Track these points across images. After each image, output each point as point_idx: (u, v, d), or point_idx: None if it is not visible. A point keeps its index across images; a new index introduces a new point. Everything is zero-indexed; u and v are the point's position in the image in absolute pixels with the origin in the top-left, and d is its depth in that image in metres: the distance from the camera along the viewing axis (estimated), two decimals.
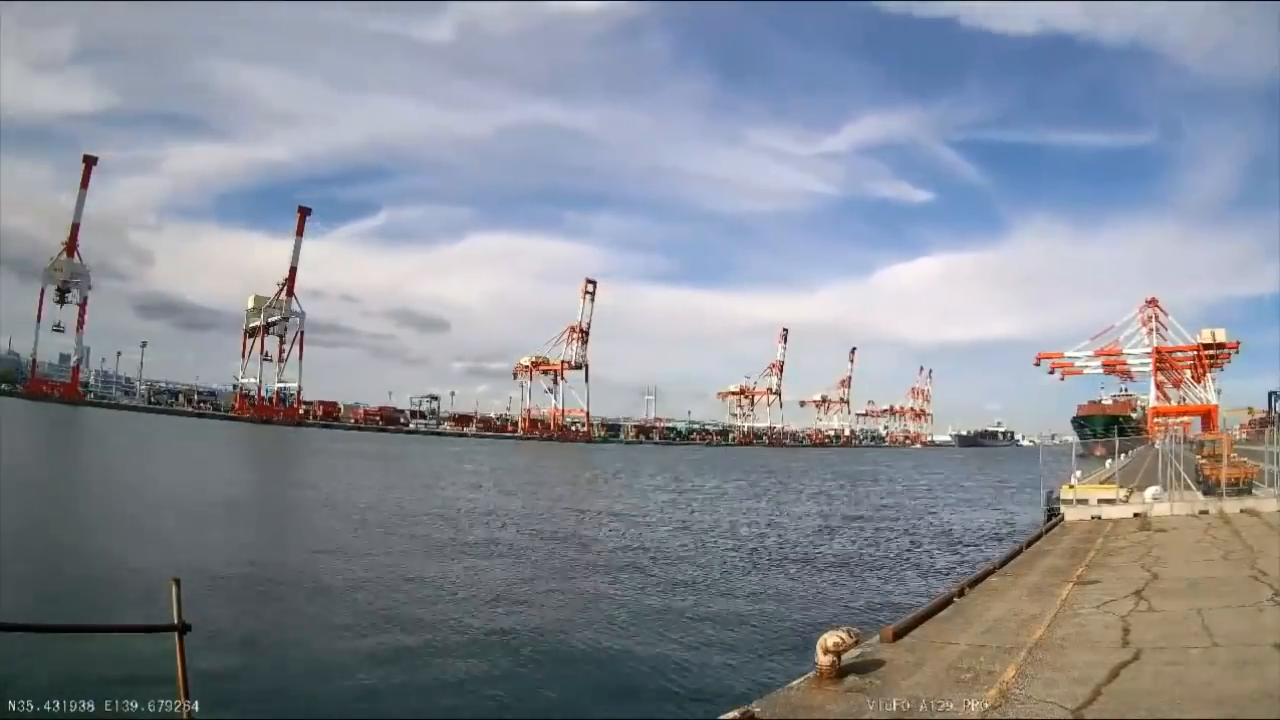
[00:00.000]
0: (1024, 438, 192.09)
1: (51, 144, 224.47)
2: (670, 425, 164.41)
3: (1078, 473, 20.16)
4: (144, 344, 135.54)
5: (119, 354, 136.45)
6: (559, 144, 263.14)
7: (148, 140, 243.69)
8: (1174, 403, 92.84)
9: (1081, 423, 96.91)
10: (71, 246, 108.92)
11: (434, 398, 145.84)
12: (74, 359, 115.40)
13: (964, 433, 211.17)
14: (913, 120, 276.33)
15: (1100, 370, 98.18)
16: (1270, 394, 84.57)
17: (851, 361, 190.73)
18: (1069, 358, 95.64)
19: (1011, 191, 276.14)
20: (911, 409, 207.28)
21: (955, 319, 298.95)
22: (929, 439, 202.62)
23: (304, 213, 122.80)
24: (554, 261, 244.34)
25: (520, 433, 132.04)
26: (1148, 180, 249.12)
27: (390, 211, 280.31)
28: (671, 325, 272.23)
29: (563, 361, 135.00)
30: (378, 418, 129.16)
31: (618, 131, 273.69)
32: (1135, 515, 15.75)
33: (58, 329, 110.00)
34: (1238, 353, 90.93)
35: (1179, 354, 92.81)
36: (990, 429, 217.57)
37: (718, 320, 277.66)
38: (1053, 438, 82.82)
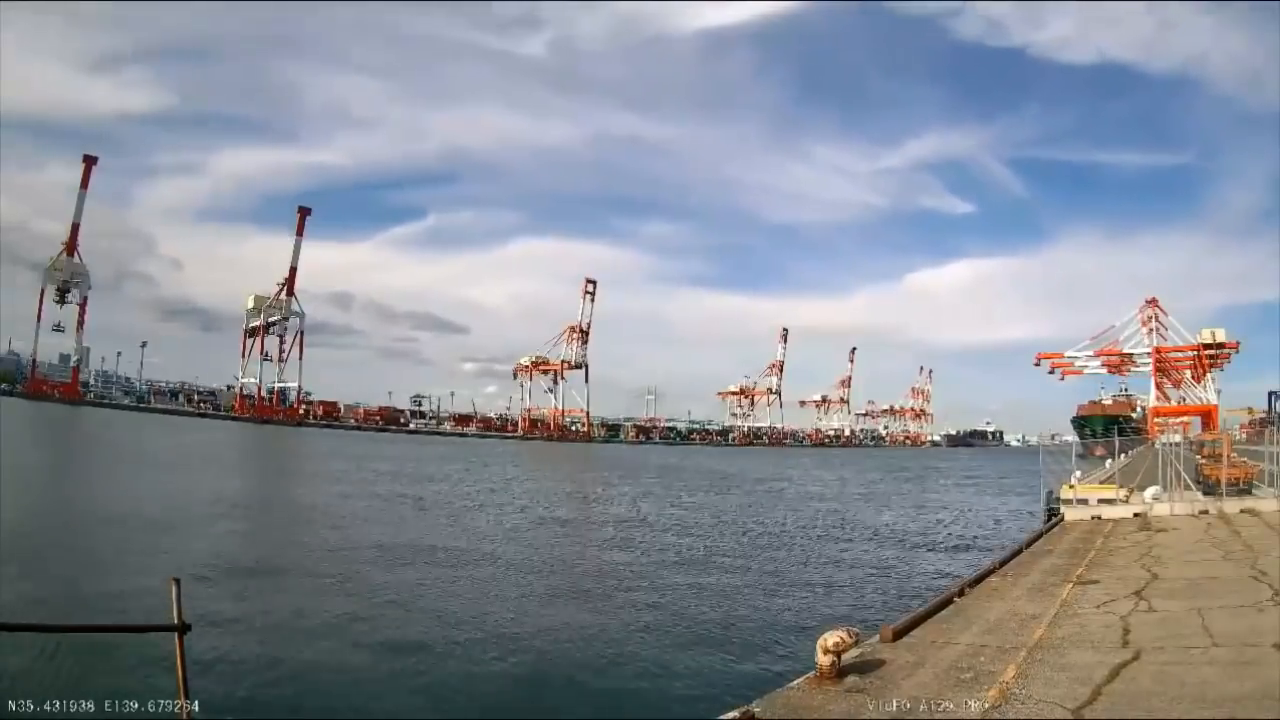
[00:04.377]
0: (1022, 437, 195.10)
1: (98, 144, 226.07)
2: (671, 425, 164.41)
3: (1077, 473, 20.15)
4: (144, 344, 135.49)
5: (119, 354, 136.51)
6: (628, 153, 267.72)
7: (202, 142, 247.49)
8: (1174, 403, 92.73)
9: (1081, 423, 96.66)
10: (72, 246, 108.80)
11: (424, 398, 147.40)
12: (74, 359, 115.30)
13: (953, 432, 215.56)
14: (971, 139, 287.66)
15: (1101, 370, 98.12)
16: (1270, 394, 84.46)
17: (851, 361, 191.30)
18: (1069, 357, 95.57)
19: (1049, 204, 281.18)
20: (911, 409, 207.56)
21: (978, 322, 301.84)
22: (928, 438, 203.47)
23: (304, 213, 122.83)
24: (592, 265, 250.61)
25: (520, 433, 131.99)
26: (1182, 196, 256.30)
27: (438, 216, 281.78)
28: (705, 328, 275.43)
29: (562, 361, 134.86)
30: (378, 418, 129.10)
31: (688, 143, 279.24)
32: (1135, 515, 15.74)
33: (58, 329, 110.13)
34: (1238, 352, 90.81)
35: (1179, 354, 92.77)
36: (980, 429, 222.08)
37: (751, 323, 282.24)
38: (1053, 438, 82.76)
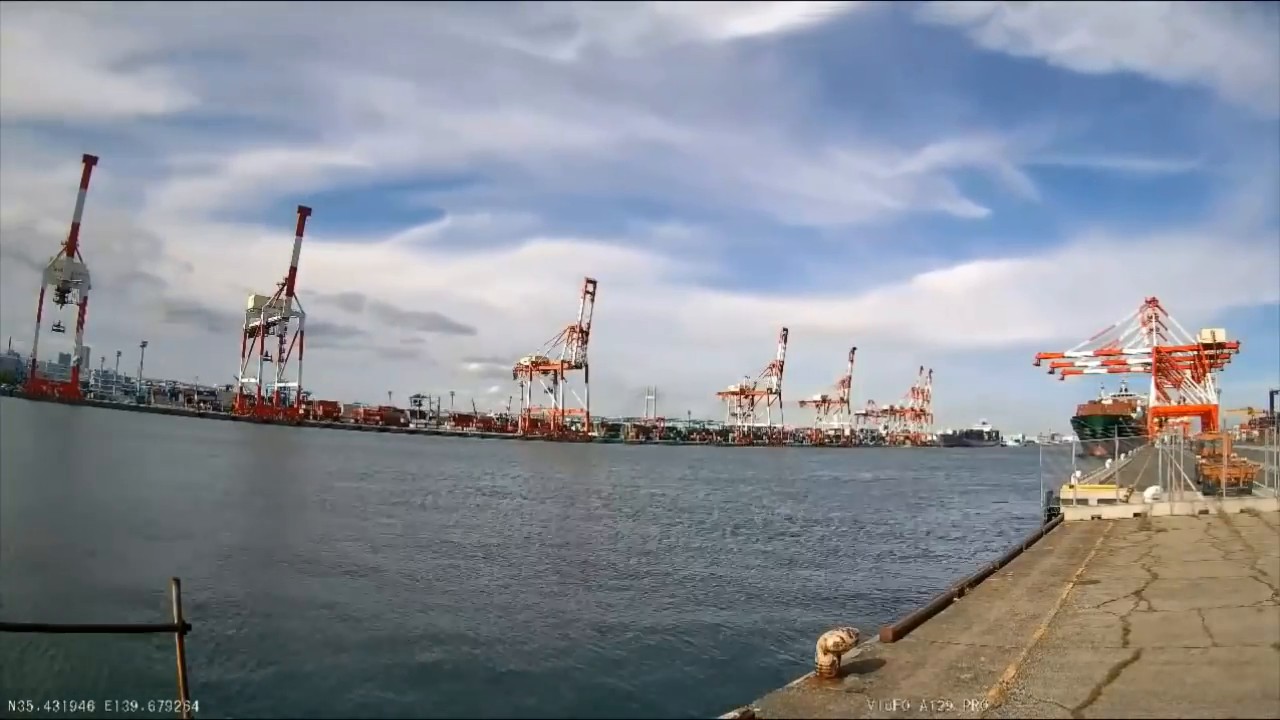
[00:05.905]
0: (1021, 437, 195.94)
1: (115, 145, 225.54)
2: (671, 425, 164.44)
3: (1077, 473, 20.15)
4: (144, 344, 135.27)
5: (119, 354, 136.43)
6: (650, 156, 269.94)
7: (220, 143, 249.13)
8: (1174, 403, 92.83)
9: (1081, 423, 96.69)
10: (72, 246, 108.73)
11: (424, 398, 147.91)
12: (74, 359, 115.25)
13: (950, 432, 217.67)
14: (989, 145, 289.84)
15: (1101, 370, 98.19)
16: (1271, 394, 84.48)
17: (851, 361, 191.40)
18: (1069, 357, 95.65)
19: (1061, 208, 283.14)
20: (911, 409, 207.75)
21: (986, 323, 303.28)
22: (929, 438, 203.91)
23: (304, 213, 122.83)
24: (605, 267, 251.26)
25: (521, 433, 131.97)
26: (1190, 200, 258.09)
27: (454, 217, 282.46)
28: (716, 329, 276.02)
29: (562, 361, 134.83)
30: (378, 418, 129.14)
31: (709, 147, 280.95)
32: (1135, 515, 15.73)
33: (58, 329, 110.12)
34: (1238, 352, 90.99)
35: (1179, 354, 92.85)
36: (976, 429, 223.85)
37: (761, 323, 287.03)
38: (1052, 438, 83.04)
